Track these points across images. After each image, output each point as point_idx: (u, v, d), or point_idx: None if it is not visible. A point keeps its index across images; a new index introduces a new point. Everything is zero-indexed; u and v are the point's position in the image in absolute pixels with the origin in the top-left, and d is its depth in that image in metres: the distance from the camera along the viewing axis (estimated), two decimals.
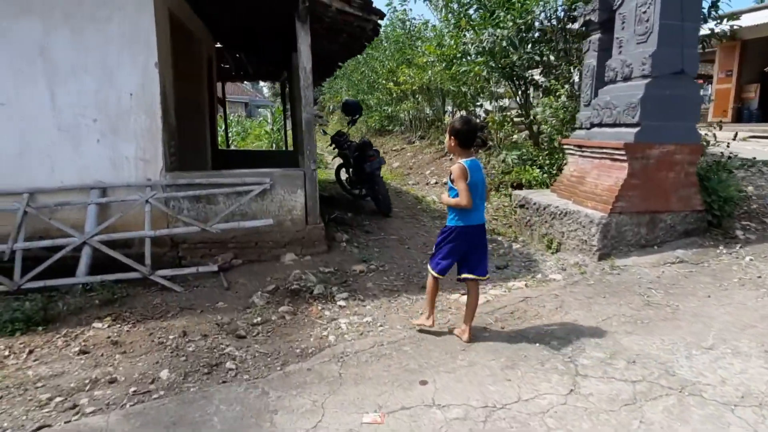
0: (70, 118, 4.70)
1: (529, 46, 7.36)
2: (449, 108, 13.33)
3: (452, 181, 3.23)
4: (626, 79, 4.83)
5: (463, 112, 11.41)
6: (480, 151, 10.94)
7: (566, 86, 7.04)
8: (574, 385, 2.82)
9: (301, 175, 5.21)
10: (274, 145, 17.89)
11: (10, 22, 4.51)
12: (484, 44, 7.33)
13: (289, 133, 14.06)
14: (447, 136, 3.30)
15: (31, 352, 3.38)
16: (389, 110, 16.08)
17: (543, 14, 7.19)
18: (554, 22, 7.45)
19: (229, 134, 16.11)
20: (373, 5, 4.99)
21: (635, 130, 4.62)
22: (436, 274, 3.42)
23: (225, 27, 7.58)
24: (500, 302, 4.10)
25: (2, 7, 4.49)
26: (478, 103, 10.13)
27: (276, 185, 5.12)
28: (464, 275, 3.40)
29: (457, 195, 3.21)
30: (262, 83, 34.34)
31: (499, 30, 6.53)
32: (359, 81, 18.08)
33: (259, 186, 5.03)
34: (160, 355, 3.33)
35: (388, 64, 14.94)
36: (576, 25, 7.55)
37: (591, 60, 5.66)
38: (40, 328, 3.68)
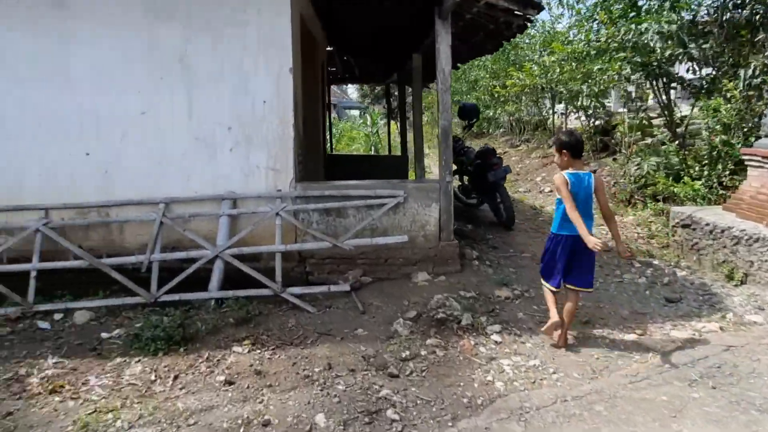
0: (206, 126, 4.56)
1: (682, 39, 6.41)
2: (560, 108, 12.37)
3: (558, 189, 3.42)
4: None
5: (580, 114, 10.48)
6: (602, 155, 9.97)
7: (732, 84, 6.02)
8: None
9: (437, 187, 4.77)
10: (372, 149, 17.76)
11: (154, 30, 4.43)
12: (628, 39, 6.49)
13: (393, 136, 13.78)
14: (555, 152, 3.51)
15: (176, 377, 3.18)
16: (489, 113, 15.36)
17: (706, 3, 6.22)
18: (713, 11, 6.46)
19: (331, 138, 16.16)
20: None
21: None
22: (550, 287, 3.53)
23: (343, 29, 7.30)
24: (697, 351, 3.38)
25: (147, 16, 4.43)
26: (608, 102, 9.18)
27: (409, 198, 4.71)
28: (568, 285, 3.51)
29: (561, 205, 3.38)
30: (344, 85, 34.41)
31: (665, 24, 5.65)
32: (456, 81, 17.45)
33: (392, 199, 4.65)
34: (310, 392, 2.99)
35: (492, 65, 14.22)
36: (740, 14, 6.50)
37: None
38: (181, 349, 3.49)
